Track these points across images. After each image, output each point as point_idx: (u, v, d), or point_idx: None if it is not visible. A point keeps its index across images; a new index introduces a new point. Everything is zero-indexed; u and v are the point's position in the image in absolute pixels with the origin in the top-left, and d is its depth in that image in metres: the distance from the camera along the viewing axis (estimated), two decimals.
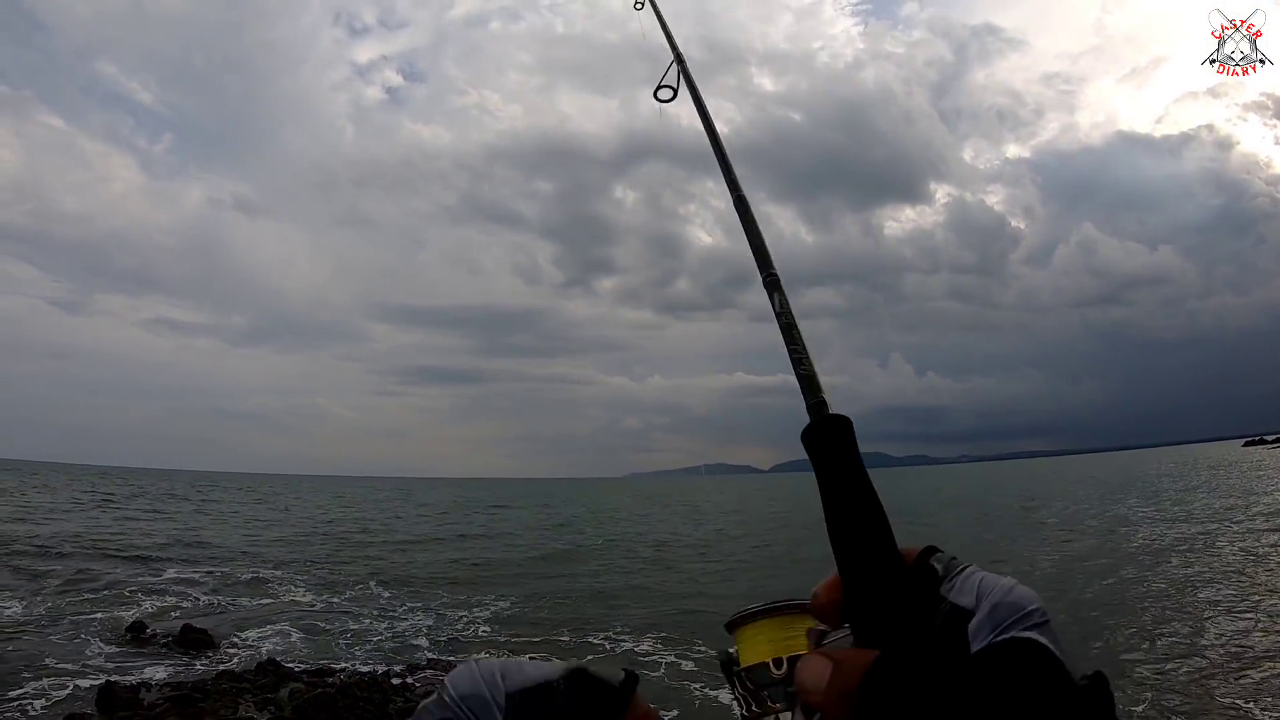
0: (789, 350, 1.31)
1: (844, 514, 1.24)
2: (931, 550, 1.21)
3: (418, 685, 10.20)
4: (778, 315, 1.35)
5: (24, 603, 13.63)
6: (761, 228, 1.52)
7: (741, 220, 1.58)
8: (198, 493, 63.28)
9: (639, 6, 3.38)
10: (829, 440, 1.26)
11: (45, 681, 9.57)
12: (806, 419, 1.28)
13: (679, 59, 2.28)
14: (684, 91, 2.19)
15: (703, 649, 11.72)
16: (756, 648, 1.22)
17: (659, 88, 2.25)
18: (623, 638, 13.03)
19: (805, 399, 1.28)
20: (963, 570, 1.21)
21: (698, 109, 2.05)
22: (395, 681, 10.16)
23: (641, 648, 12.38)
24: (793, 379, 1.29)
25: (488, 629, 13.72)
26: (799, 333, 1.32)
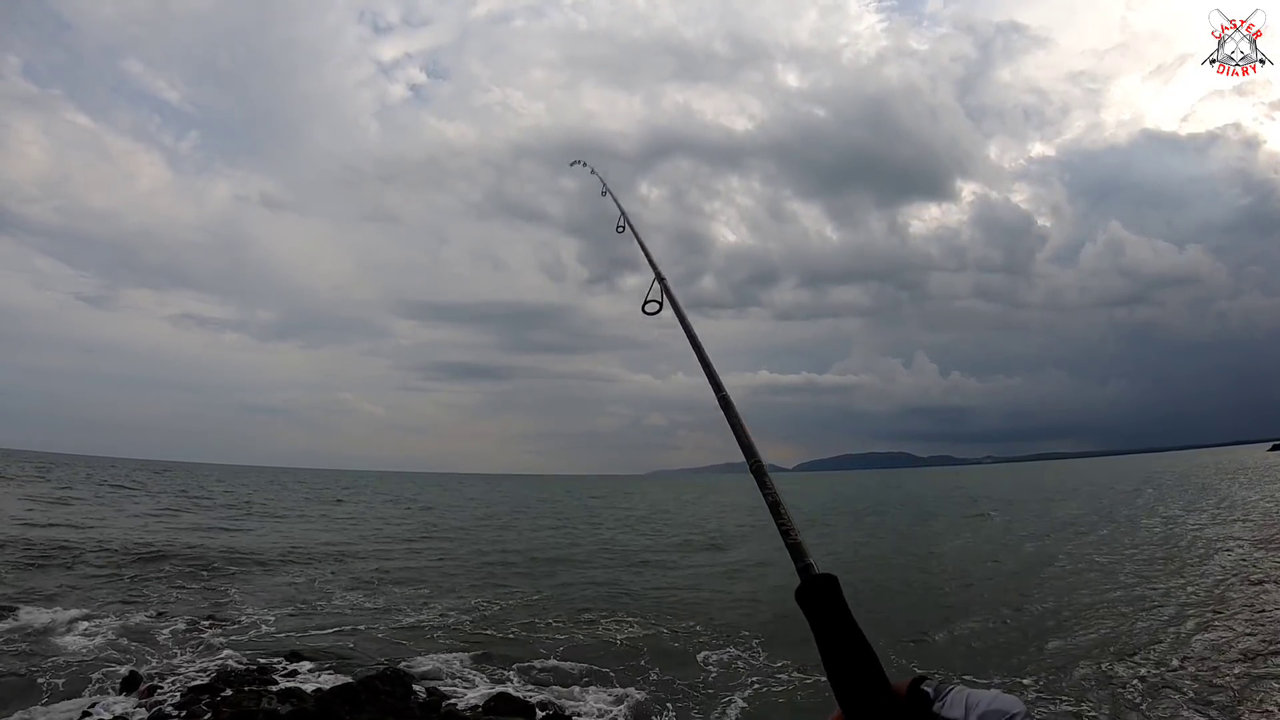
0: (777, 524, 1.55)
1: (839, 661, 1.43)
2: (921, 679, 1.42)
3: (441, 679, 10.05)
4: (765, 495, 1.64)
5: (55, 590, 13.82)
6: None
7: (727, 419, 1.98)
8: (227, 484, 64.46)
9: (620, 230, 3.87)
10: (820, 598, 1.47)
11: (70, 669, 9.60)
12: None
13: (660, 278, 2.81)
14: (669, 306, 2.69)
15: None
16: None
17: (646, 302, 2.73)
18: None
19: (795, 563, 1.50)
20: (951, 689, 1.42)
21: (680, 322, 2.56)
22: (417, 674, 10.02)
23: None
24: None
25: (520, 629, 13.49)
26: (784, 508, 1.57)
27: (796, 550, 1.52)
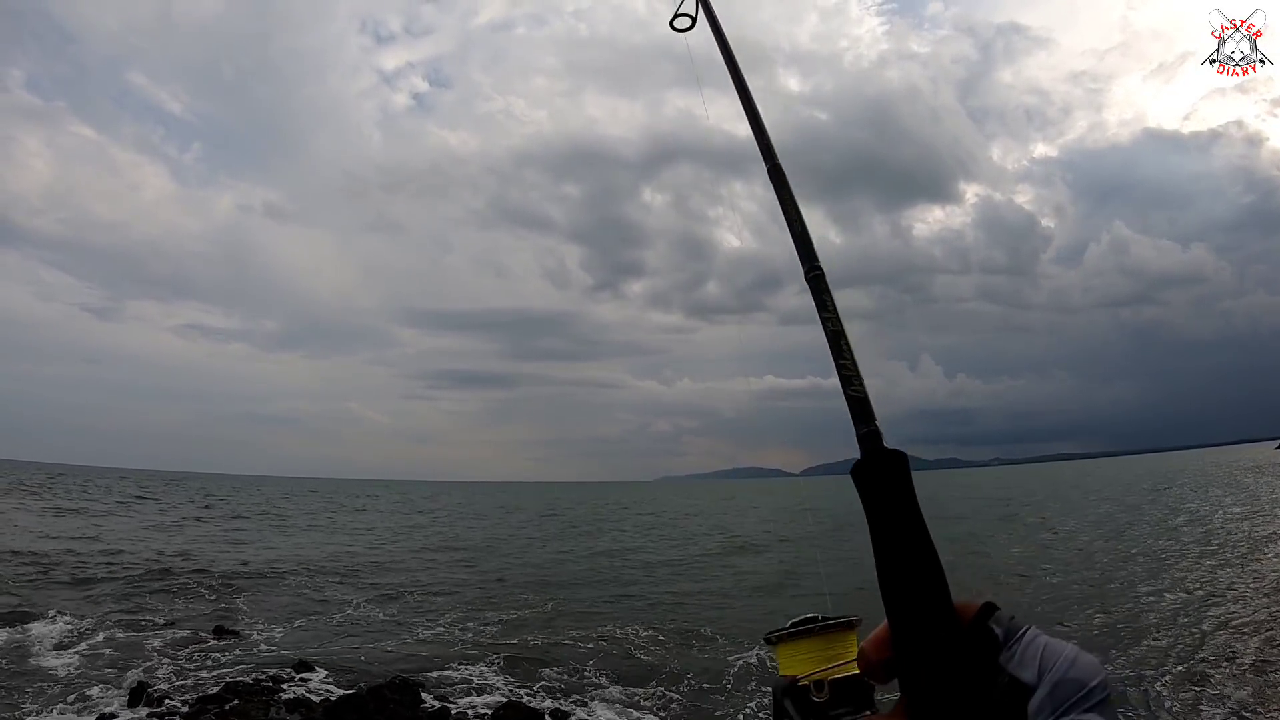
0: (837, 366, 1.15)
1: (898, 565, 1.14)
2: (990, 609, 1.15)
3: (450, 687, 10.00)
4: (824, 320, 1.16)
5: (65, 601, 13.85)
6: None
7: (777, 194, 1.32)
8: (236, 494, 64.55)
9: None
10: (882, 480, 1.14)
11: (77, 681, 9.60)
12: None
13: None
14: (704, 21, 1.91)
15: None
16: (796, 668, 1.15)
17: (676, 15, 2.00)
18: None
19: (856, 427, 1.13)
20: (1023, 636, 1.15)
21: (718, 41, 1.82)
22: (427, 683, 9.98)
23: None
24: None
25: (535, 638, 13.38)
26: (848, 343, 1.14)
27: (860, 409, 1.13)
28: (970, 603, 1.15)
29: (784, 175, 1.38)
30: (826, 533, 26.15)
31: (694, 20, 1.99)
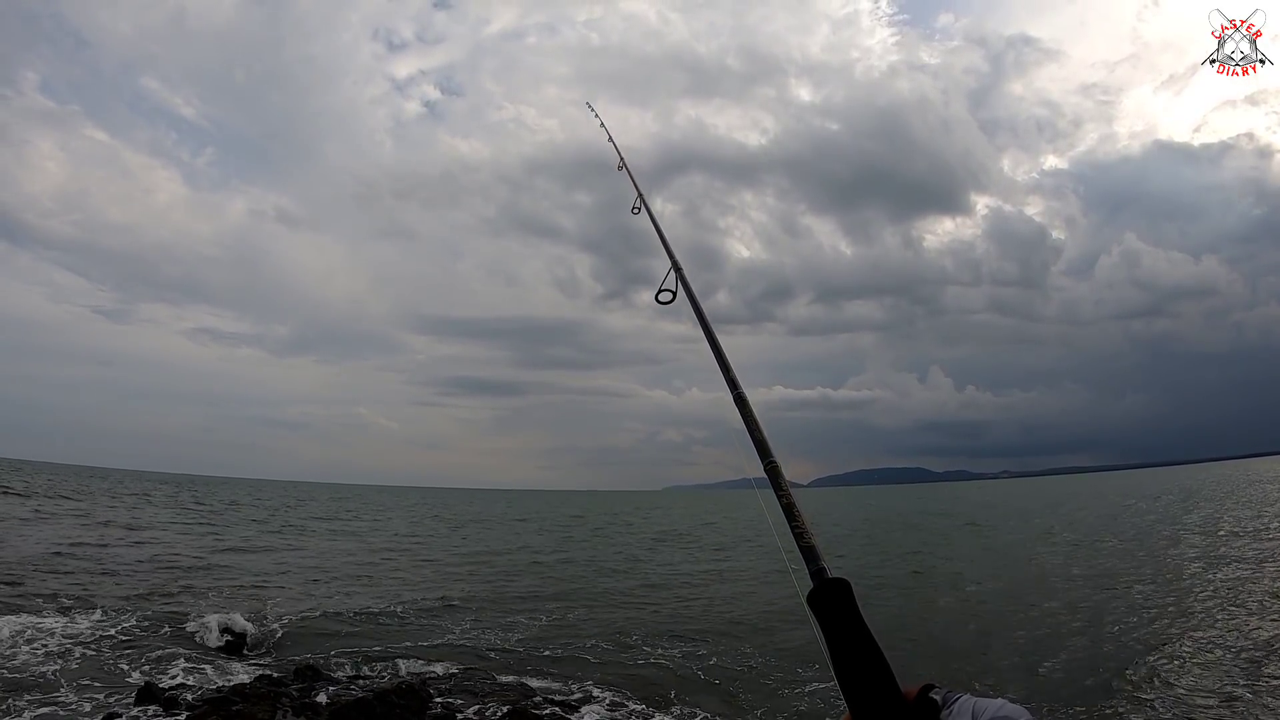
0: (791, 526, 1.57)
1: (851, 666, 1.43)
2: (930, 686, 1.42)
3: (459, 694, 9.95)
4: (779, 497, 1.68)
5: (77, 600, 13.96)
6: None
7: (742, 415, 1.98)
8: (248, 498, 65.19)
9: (636, 211, 3.69)
10: (832, 602, 1.44)
11: (85, 680, 9.64)
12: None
13: (676, 267, 2.71)
14: (683, 294, 2.60)
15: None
16: None
17: (660, 290, 2.64)
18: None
19: (807, 567, 1.47)
20: (958, 698, 1.42)
21: (695, 311, 2.48)
22: (433, 690, 9.94)
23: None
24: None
25: (547, 646, 13.34)
26: (798, 510, 1.59)
27: (810, 554, 1.48)
28: (912, 687, 1.43)
29: (748, 401, 2.03)
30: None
31: (674, 294, 2.62)
